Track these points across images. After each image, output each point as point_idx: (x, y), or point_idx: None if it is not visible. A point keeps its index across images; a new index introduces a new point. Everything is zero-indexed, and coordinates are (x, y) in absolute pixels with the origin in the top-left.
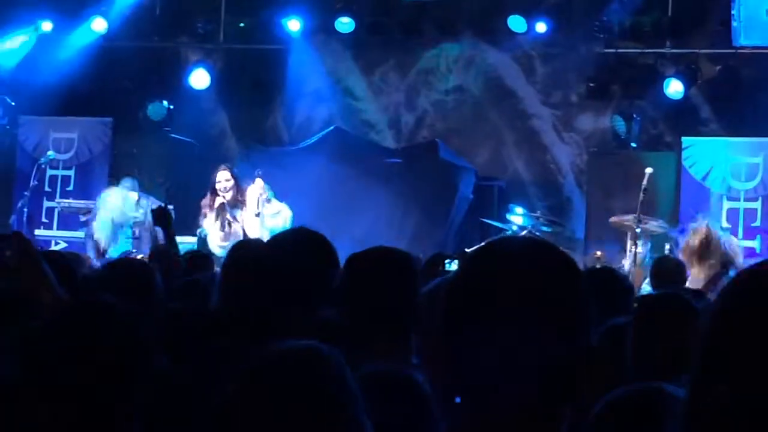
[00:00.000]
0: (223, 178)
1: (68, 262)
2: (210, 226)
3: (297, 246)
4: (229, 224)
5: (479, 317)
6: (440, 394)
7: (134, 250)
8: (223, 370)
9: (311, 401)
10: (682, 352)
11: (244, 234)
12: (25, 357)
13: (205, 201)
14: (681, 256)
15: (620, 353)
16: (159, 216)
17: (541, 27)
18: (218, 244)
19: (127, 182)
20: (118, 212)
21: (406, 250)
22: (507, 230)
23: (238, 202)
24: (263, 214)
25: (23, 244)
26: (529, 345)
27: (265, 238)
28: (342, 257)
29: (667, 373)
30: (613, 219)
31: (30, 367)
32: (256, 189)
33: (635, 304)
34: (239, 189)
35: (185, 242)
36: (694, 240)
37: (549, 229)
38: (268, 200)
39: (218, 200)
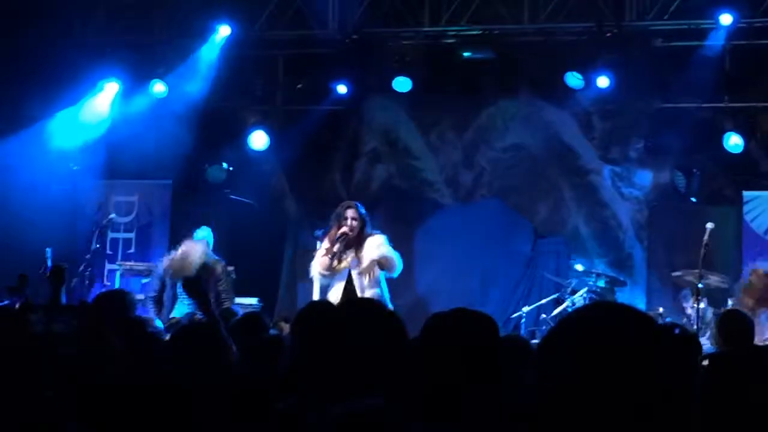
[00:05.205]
0: (350, 216)
1: (147, 331)
2: (320, 251)
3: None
4: (339, 259)
5: None
6: None
7: (197, 313)
8: None
9: None
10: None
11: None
12: None
13: (332, 233)
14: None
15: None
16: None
17: (600, 82)
18: (319, 270)
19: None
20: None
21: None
22: (567, 286)
23: (354, 244)
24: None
25: (92, 315)
26: None
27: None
28: (406, 314)
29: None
30: (675, 275)
31: None
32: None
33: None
34: (362, 231)
35: (246, 303)
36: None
37: (609, 285)
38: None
39: (342, 230)
